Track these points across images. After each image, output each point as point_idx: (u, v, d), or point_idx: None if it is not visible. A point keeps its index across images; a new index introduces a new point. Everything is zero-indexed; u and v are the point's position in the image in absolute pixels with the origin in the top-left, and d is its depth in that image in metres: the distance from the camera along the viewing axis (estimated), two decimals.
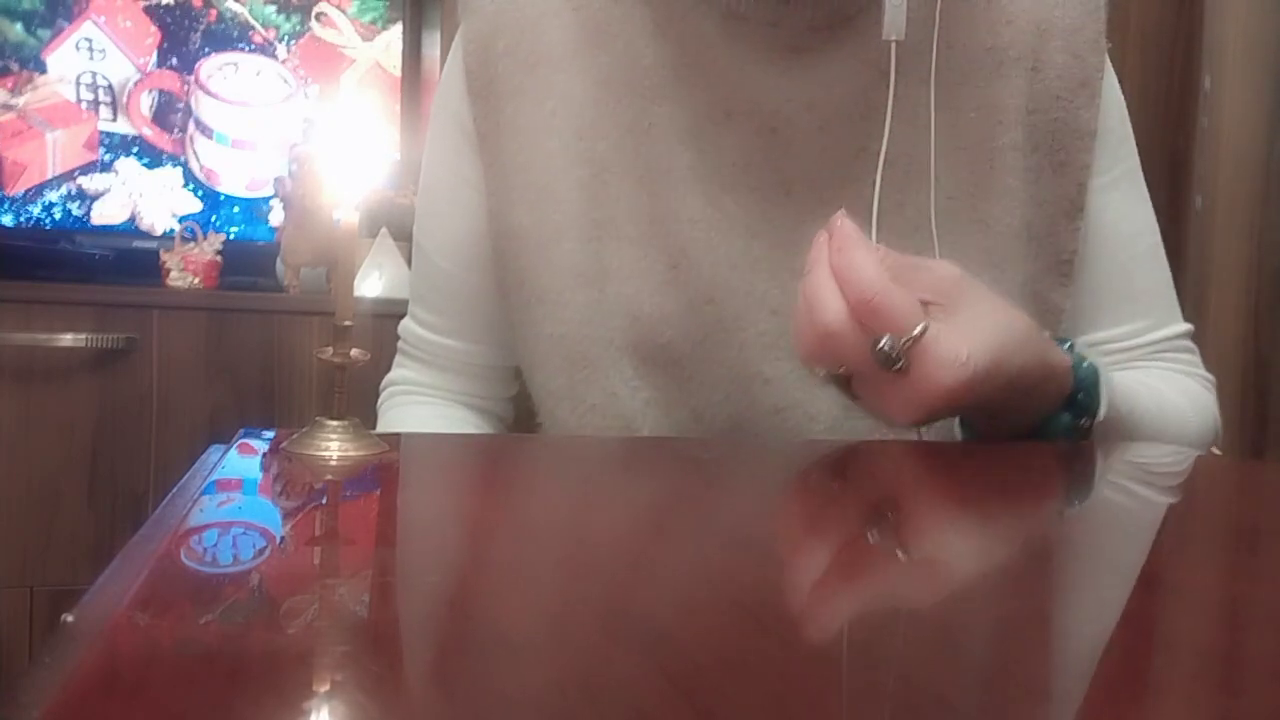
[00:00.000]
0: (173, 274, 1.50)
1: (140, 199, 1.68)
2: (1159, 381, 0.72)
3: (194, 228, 1.57)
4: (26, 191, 1.63)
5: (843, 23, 0.69)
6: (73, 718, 0.20)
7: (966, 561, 0.36)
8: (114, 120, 1.67)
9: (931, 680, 0.24)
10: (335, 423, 0.45)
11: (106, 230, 1.66)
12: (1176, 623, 0.30)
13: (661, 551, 0.36)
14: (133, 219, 1.68)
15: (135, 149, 1.68)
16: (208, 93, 1.71)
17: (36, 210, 1.64)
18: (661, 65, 0.70)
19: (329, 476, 0.44)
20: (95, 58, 1.66)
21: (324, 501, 0.41)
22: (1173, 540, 0.42)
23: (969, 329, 0.55)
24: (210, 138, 1.72)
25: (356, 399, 0.48)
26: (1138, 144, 0.77)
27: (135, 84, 1.68)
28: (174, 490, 0.40)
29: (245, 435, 0.50)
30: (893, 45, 0.66)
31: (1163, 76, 1.71)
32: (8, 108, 1.63)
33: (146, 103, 1.69)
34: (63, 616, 0.25)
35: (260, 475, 0.45)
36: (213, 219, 1.71)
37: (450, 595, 0.29)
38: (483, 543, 0.36)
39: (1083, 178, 0.72)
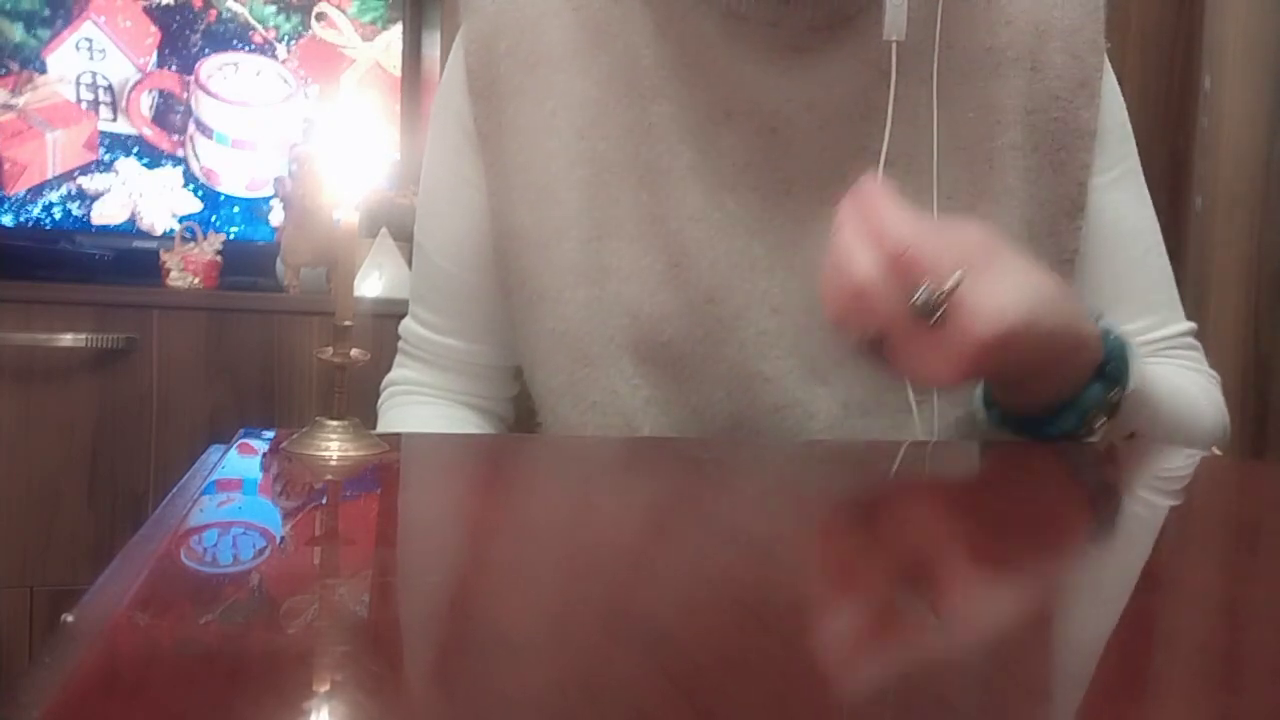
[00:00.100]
0: (173, 274, 1.50)
1: (140, 199, 1.68)
2: (1171, 373, 0.72)
3: (194, 228, 1.57)
4: (26, 191, 1.63)
5: (843, 23, 0.69)
6: (73, 718, 0.20)
7: (966, 561, 0.36)
8: (114, 120, 1.67)
9: (931, 680, 0.24)
10: (335, 423, 0.45)
11: (106, 230, 1.66)
12: (1177, 622, 0.29)
13: (661, 551, 0.36)
14: (133, 219, 1.68)
15: (135, 149, 1.68)
16: (208, 93, 1.71)
17: (36, 210, 1.64)
18: (662, 65, 0.71)
19: (329, 476, 0.44)
20: (95, 58, 1.66)
21: (324, 501, 0.41)
22: (1173, 540, 0.42)
23: (1002, 285, 0.54)
24: (210, 138, 1.72)
25: (356, 399, 0.48)
26: (1138, 144, 0.77)
27: (135, 84, 1.68)
28: (174, 490, 0.40)
29: (245, 435, 0.50)
30: (893, 45, 0.66)
31: (1163, 76, 1.71)
32: (8, 108, 1.63)
33: (146, 103, 1.69)
34: (63, 616, 0.25)
35: (260, 475, 0.45)
36: (213, 219, 1.71)
37: (450, 595, 0.29)
38: (483, 543, 0.35)
39: (1083, 177, 0.72)
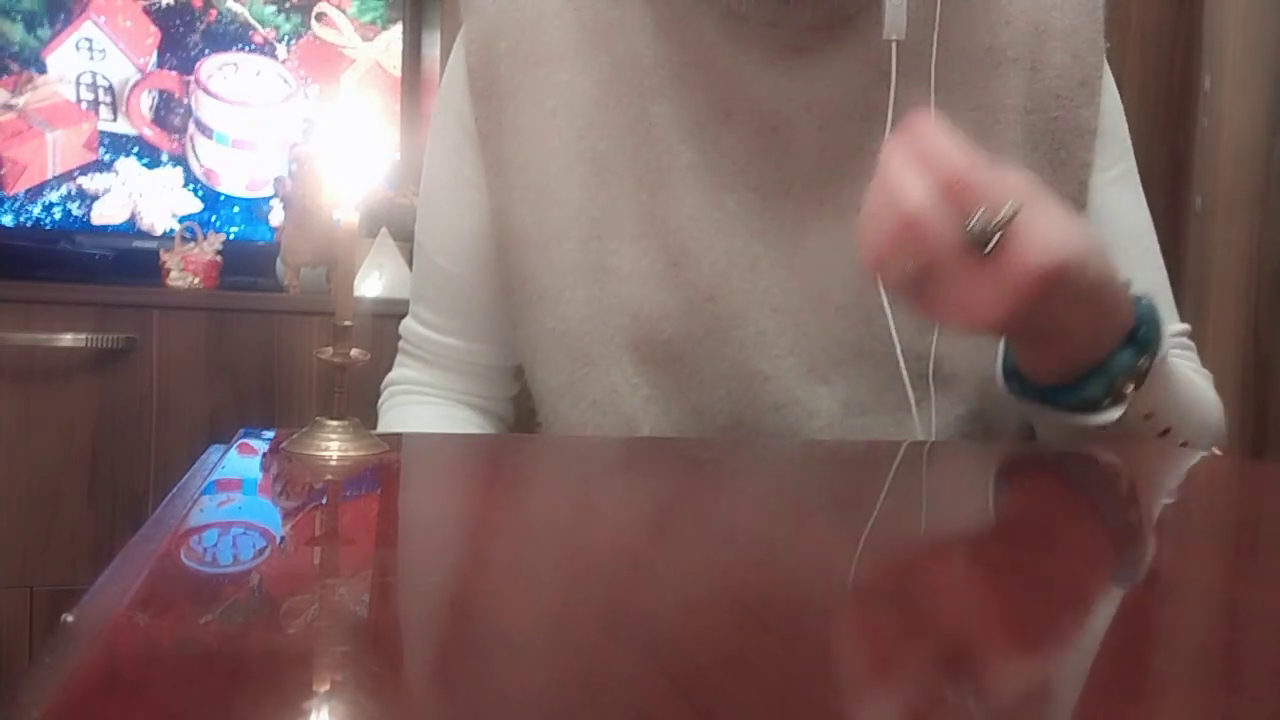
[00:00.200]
0: (173, 274, 1.50)
1: (140, 199, 1.68)
2: (1179, 363, 0.72)
3: (194, 228, 1.57)
4: (26, 191, 1.63)
5: (843, 23, 0.69)
6: (73, 718, 0.20)
7: (965, 560, 0.36)
8: (114, 120, 1.67)
9: (931, 680, 0.24)
10: (335, 423, 0.45)
11: (106, 230, 1.66)
12: (1176, 622, 0.30)
13: (661, 551, 0.35)
14: (133, 219, 1.68)
15: (135, 149, 1.68)
16: (208, 93, 1.71)
17: (36, 210, 1.64)
18: (662, 65, 0.71)
19: (329, 476, 0.44)
20: (95, 58, 1.66)
21: (324, 501, 0.41)
22: (1173, 540, 0.42)
23: (1057, 222, 0.53)
24: (210, 138, 1.72)
25: (356, 399, 0.48)
26: (1137, 144, 0.77)
27: (135, 84, 1.68)
28: (174, 490, 0.40)
29: (245, 435, 0.50)
30: (893, 45, 0.66)
31: (1163, 76, 1.71)
32: (8, 108, 1.63)
33: (146, 103, 1.69)
34: (63, 616, 0.25)
35: (260, 475, 0.45)
36: (213, 219, 1.71)
37: (450, 595, 0.29)
38: (483, 543, 0.35)
39: (1084, 175, 0.72)
